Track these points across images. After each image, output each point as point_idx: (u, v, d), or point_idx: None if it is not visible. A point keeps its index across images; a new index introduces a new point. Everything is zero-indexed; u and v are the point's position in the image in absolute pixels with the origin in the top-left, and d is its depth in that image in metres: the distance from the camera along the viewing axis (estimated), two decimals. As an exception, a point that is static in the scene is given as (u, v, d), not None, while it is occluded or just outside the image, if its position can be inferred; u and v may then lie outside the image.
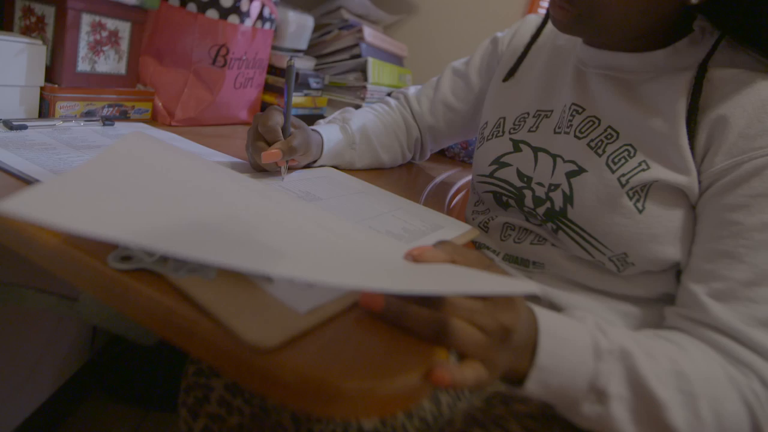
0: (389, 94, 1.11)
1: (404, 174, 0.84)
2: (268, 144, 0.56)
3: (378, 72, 1.15)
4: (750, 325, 0.43)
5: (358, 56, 1.13)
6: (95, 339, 0.95)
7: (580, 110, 0.58)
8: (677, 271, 0.52)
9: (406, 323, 0.31)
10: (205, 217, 0.27)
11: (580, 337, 0.39)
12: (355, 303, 0.31)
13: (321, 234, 0.33)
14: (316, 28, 1.14)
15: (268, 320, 0.27)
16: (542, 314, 0.38)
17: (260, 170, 0.60)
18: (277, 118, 0.57)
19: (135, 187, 0.27)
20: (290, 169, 0.62)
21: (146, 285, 0.28)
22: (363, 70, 1.12)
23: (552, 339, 0.37)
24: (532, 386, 0.37)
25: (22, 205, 0.18)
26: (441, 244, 0.36)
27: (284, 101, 0.55)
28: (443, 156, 1.14)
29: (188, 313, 0.27)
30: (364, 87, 1.11)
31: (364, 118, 0.79)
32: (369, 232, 0.39)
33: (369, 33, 1.16)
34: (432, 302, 0.31)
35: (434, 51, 1.57)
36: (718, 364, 0.42)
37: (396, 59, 1.36)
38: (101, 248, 0.31)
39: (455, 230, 0.52)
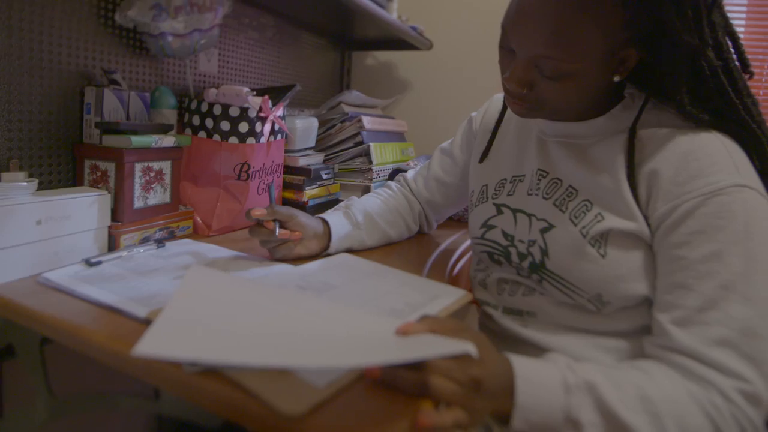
0: (393, 175, 1.25)
1: (414, 246, 0.95)
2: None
3: (380, 153, 1.30)
4: (707, 345, 0.50)
5: (361, 143, 1.28)
6: (161, 430, 1.06)
7: (545, 174, 0.68)
8: (651, 304, 0.60)
9: (398, 385, 0.41)
10: (251, 331, 0.39)
11: (551, 377, 0.47)
12: (360, 375, 0.42)
13: (335, 328, 0.45)
14: (322, 123, 1.31)
15: (297, 395, 0.38)
16: (517, 361, 0.47)
17: (277, 260, 0.74)
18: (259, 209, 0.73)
19: (203, 318, 0.39)
20: (290, 238, 0.75)
21: (211, 381, 0.40)
22: (367, 154, 1.27)
23: (526, 382, 0.46)
24: (517, 423, 0.45)
25: (144, 349, 0.30)
26: (424, 318, 0.46)
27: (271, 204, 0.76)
28: (450, 220, 1.25)
29: (241, 397, 0.38)
30: (370, 169, 1.25)
31: (365, 201, 0.91)
32: (370, 316, 0.50)
33: (368, 121, 1.31)
34: (416, 366, 0.41)
35: (432, 121, 1.73)
36: (680, 384, 0.49)
37: (397, 136, 1.51)
38: (175, 357, 0.43)
39: (450, 298, 0.62)
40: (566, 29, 0.53)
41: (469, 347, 0.40)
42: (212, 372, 0.41)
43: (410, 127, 1.63)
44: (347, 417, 0.37)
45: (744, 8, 1.52)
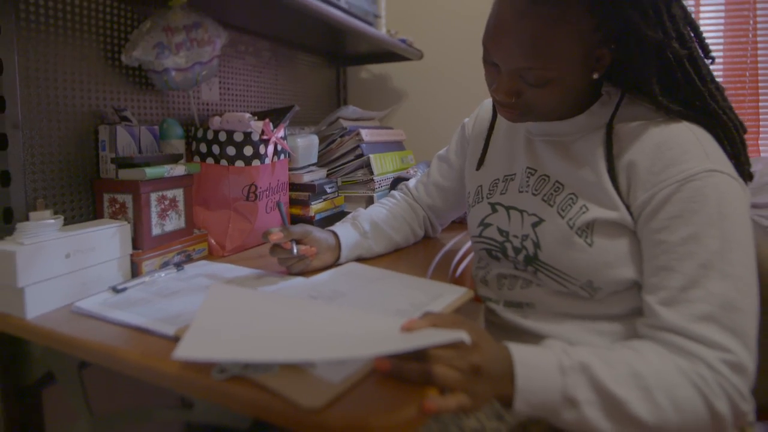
0: (394, 184, 1.29)
1: (420, 249, 1.00)
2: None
3: (380, 164, 1.34)
4: (691, 322, 0.54)
5: (361, 155, 1.32)
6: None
7: (534, 171, 0.73)
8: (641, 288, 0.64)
9: (406, 376, 0.46)
10: (272, 334, 0.44)
11: (547, 361, 0.51)
12: (371, 369, 0.46)
13: (346, 328, 0.50)
14: (322, 139, 1.36)
15: (315, 391, 0.42)
16: (515, 349, 0.52)
17: (293, 274, 0.79)
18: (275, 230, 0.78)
19: (228, 326, 0.44)
20: (306, 254, 0.80)
21: (238, 385, 0.44)
22: (368, 165, 1.32)
23: (525, 367, 0.50)
24: (519, 405, 0.50)
25: (181, 353, 0.35)
26: (426, 314, 0.51)
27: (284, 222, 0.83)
28: (453, 222, 1.29)
29: (266, 397, 0.43)
30: (372, 180, 1.30)
31: (371, 211, 0.96)
32: (377, 317, 0.55)
33: (366, 133, 1.36)
34: (421, 357, 0.46)
35: (429, 128, 1.77)
36: (668, 359, 0.53)
37: (396, 145, 1.55)
38: (205, 368, 0.47)
39: (452, 295, 0.67)
40: (542, 41, 0.57)
41: (462, 335, 0.44)
42: (238, 377, 0.46)
43: (408, 134, 1.68)
44: (361, 406, 0.41)
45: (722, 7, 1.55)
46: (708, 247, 0.54)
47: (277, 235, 0.76)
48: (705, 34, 0.63)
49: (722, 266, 0.54)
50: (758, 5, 1.52)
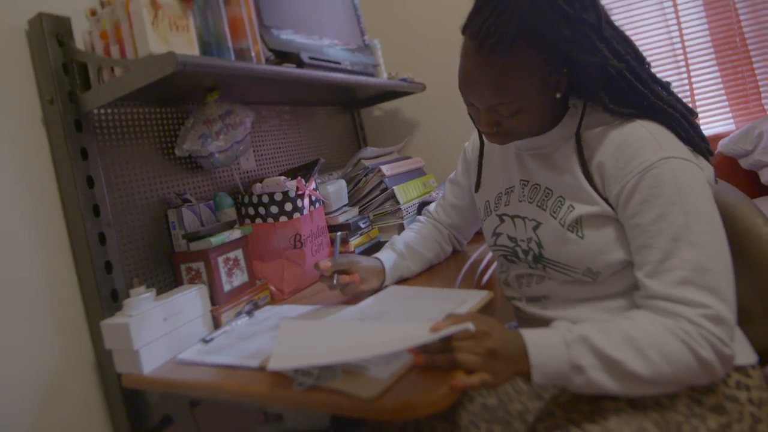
0: (420, 208, 1.43)
1: (451, 264, 1.12)
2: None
3: (405, 193, 1.49)
4: (672, 287, 0.64)
5: (386, 189, 1.48)
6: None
7: (527, 182, 0.85)
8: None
9: (437, 366, 0.59)
10: (335, 345, 0.61)
11: (553, 338, 0.63)
12: (410, 365, 0.60)
13: (388, 335, 0.64)
14: (349, 181, 1.52)
15: (370, 386, 0.57)
16: (526, 332, 0.64)
17: (344, 303, 0.93)
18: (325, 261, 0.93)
19: (301, 345, 0.61)
20: (348, 281, 0.93)
21: (314, 392, 0.59)
22: (394, 196, 1.47)
23: (535, 346, 0.62)
24: (537, 378, 0.61)
25: (273, 365, 0.51)
26: (449, 316, 0.64)
27: (334, 253, 0.97)
28: (477, 234, 1.41)
29: (336, 397, 0.58)
30: (399, 209, 1.44)
31: (404, 236, 1.10)
32: (411, 324, 0.69)
33: (386, 168, 1.51)
34: (447, 349, 0.59)
35: (444, 150, 1.91)
36: (657, 321, 0.63)
37: (416, 172, 1.69)
38: (287, 385, 0.62)
39: (475, 299, 0.79)
40: (502, 82, 0.70)
41: (467, 325, 0.57)
42: (313, 387, 0.60)
43: (427, 159, 1.82)
44: (407, 392, 0.55)
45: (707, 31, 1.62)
46: (674, 223, 0.65)
47: (324, 265, 0.92)
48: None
49: (689, 236, 0.64)
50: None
